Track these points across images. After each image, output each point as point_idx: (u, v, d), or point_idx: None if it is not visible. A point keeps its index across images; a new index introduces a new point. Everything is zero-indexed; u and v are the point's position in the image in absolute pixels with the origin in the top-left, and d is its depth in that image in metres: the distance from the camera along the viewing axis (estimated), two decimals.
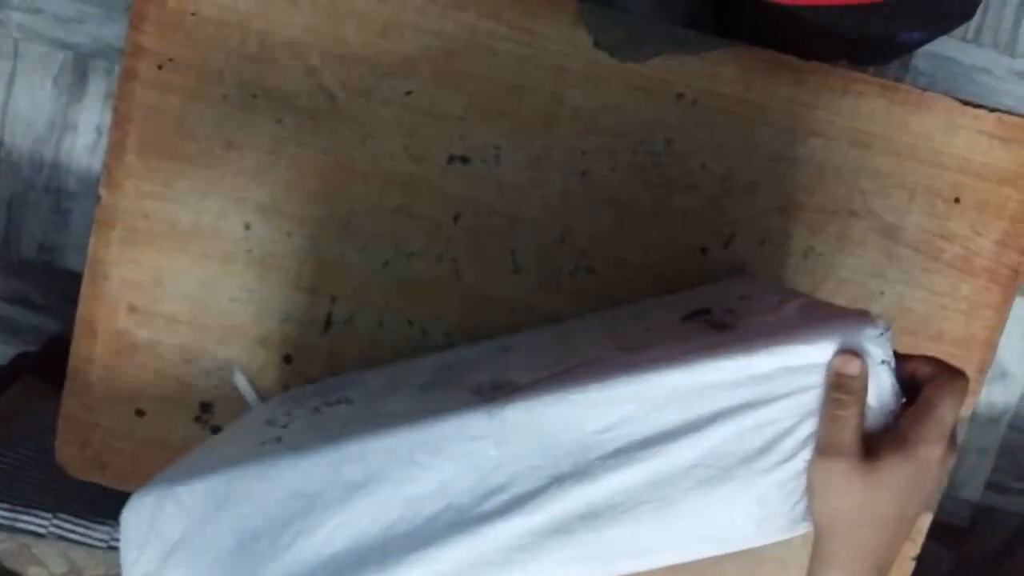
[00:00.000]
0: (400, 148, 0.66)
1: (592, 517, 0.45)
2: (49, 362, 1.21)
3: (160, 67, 0.65)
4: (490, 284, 0.67)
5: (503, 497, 0.45)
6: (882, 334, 0.44)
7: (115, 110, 0.66)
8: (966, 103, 0.64)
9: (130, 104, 0.65)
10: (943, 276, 0.65)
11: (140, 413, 0.70)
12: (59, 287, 1.32)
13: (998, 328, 0.67)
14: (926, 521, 0.67)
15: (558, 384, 0.46)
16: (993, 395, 1.35)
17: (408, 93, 0.65)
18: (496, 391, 0.48)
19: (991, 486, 1.38)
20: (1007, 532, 1.37)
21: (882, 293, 0.65)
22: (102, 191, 0.67)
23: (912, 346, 0.66)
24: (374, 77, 0.65)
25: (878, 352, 0.44)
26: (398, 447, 0.45)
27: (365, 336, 0.68)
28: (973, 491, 1.38)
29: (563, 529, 0.45)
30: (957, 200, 0.65)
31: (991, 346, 0.67)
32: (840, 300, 0.66)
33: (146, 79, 0.65)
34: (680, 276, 0.66)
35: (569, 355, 0.51)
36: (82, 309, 0.69)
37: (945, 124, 0.64)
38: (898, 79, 1.25)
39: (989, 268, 0.65)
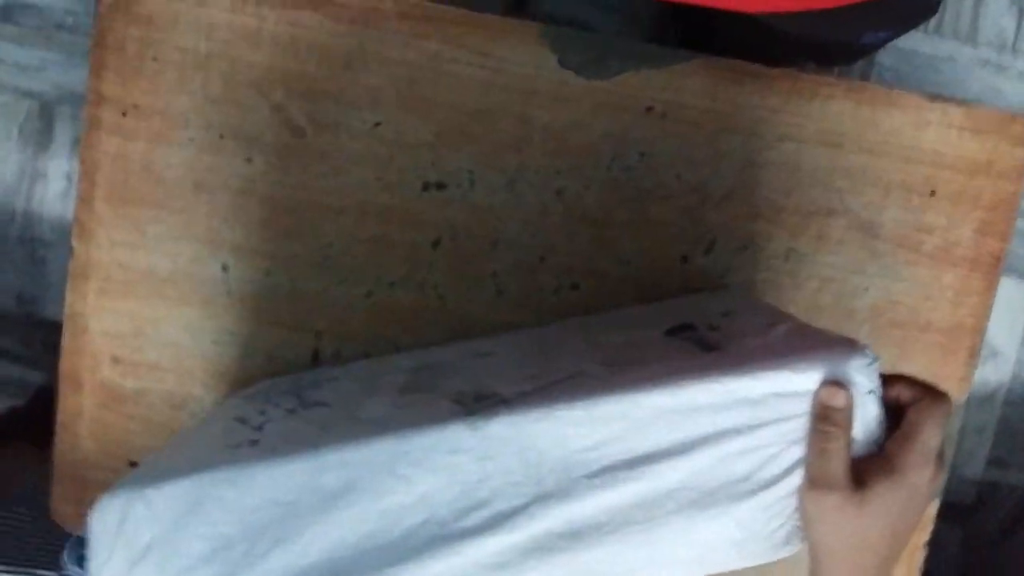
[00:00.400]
0: (373, 179, 0.65)
1: (573, 537, 0.44)
2: (39, 416, 1.20)
3: (124, 114, 0.64)
4: (474, 308, 0.67)
5: (484, 513, 0.44)
6: (871, 364, 0.44)
7: (82, 160, 0.65)
8: (934, 98, 0.64)
9: (96, 153, 0.65)
10: (925, 268, 0.65)
11: (133, 464, 0.69)
12: (40, 337, 1.31)
13: (984, 314, 0.67)
14: (933, 507, 0.67)
15: (543, 399, 0.46)
16: (986, 374, 1.36)
17: (377, 124, 0.64)
18: (479, 403, 0.47)
19: (992, 462, 1.39)
20: (1013, 505, 1.39)
21: (866, 289, 0.65)
22: (75, 243, 0.66)
23: (901, 338, 0.66)
24: (341, 110, 0.64)
25: (865, 382, 0.44)
26: (378, 457, 0.45)
27: None
28: (975, 469, 1.39)
29: (544, 548, 0.44)
30: (933, 193, 0.65)
31: (979, 332, 0.67)
32: (825, 298, 0.66)
33: (110, 127, 0.64)
34: (663, 286, 0.66)
35: (551, 368, 0.51)
36: (64, 363, 0.68)
37: (915, 120, 0.64)
38: (864, 76, 1.26)
39: (970, 257, 0.66)
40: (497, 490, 0.44)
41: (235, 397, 0.63)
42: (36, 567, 0.88)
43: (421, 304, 0.66)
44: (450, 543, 0.44)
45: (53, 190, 1.27)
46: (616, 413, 0.44)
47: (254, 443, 0.49)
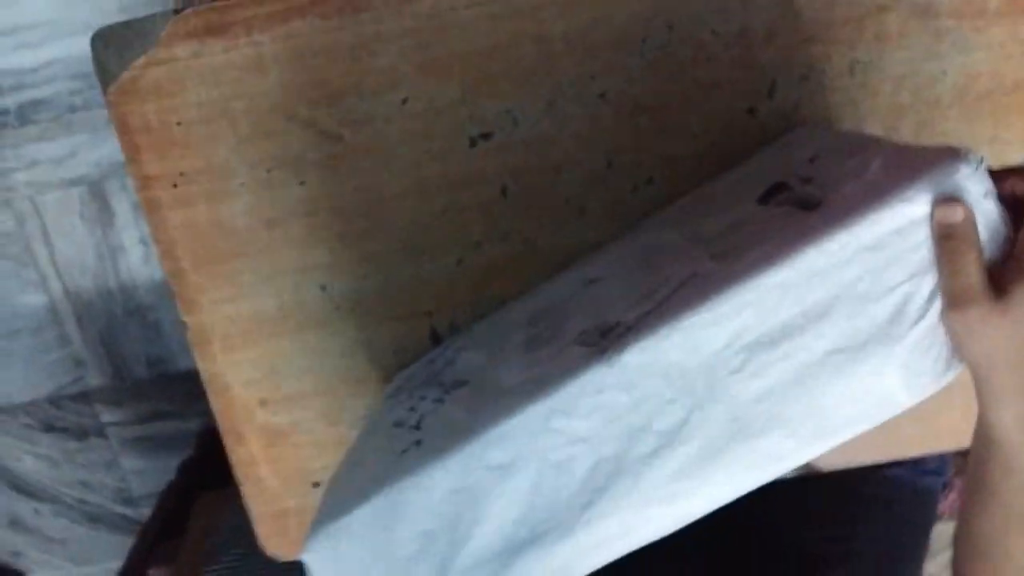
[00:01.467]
0: (421, 153, 0.65)
1: (740, 432, 0.45)
2: (208, 459, 1.28)
3: (175, 185, 0.66)
4: (561, 238, 0.67)
5: (648, 437, 0.45)
6: (977, 167, 0.42)
7: (156, 241, 0.67)
8: None
9: (166, 231, 0.67)
10: (996, 28, 0.61)
11: (316, 485, 0.73)
12: (181, 389, 1.39)
13: None
14: None
15: (666, 315, 0.45)
16: None
17: (404, 101, 0.64)
18: (605, 338, 0.47)
19: None
20: None
21: (944, 72, 0.62)
22: (184, 318, 0.69)
23: (992, 108, 0.63)
24: (366, 101, 0.64)
25: (976, 187, 0.42)
26: (531, 421, 0.46)
27: None
28: None
29: (716, 449, 0.45)
30: None
31: None
32: (904, 97, 0.63)
33: (168, 202, 0.66)
34: (738, 147, 0.64)
35: (661, 279, 0.50)
36: (221, 422, 0.72)
37: None
38: None
39: None
40: (652, 413, 0.45)
41: (383, 402, 0.66)
42: None
43: (511, 253, 0.67)
44: (626, 474, 0.45)
45: (134, 258, 1.32)
46: (740, 303, 0.44)
47: (418, 443, 0.51)
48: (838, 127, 0.62)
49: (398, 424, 0.56)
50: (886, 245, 0.43)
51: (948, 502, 1.01)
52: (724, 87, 0.63)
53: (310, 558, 0.49)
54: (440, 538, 0.47)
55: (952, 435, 0.71)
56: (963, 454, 0.99)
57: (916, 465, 0.81)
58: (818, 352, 0.44)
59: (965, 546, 0.53)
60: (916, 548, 0.83)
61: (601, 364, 0.45)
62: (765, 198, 0.52)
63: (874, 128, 0.64)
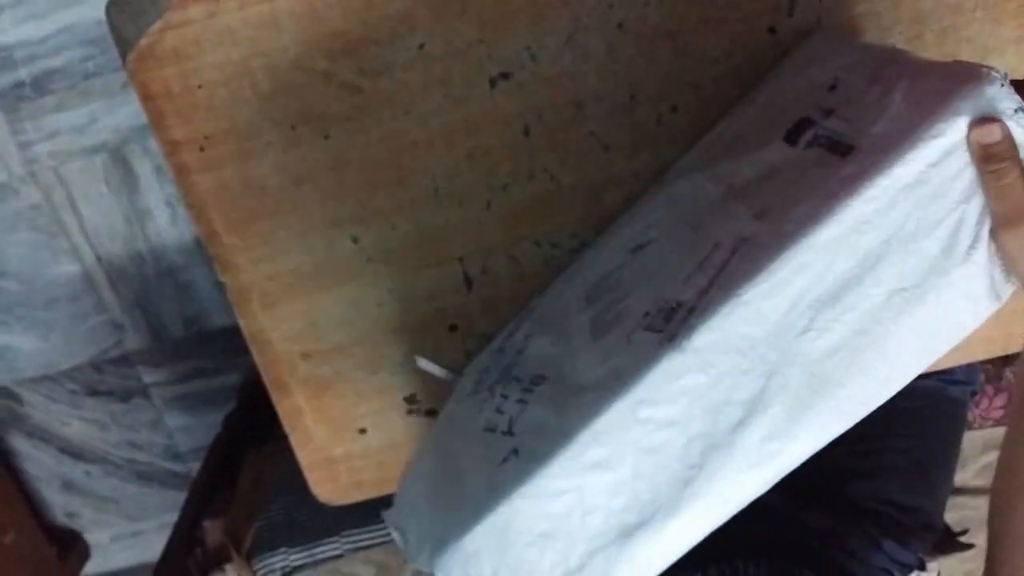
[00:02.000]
0: (442, 98, 0.65)
1: (820, 387, 0.46)
2: (250, 413, 1.32)
3: (201, 149, 0.66)
4: (588, 173, 0.67)
5: (732, 410, 0.47)
6: (1003, 83, 0.42)
7: (188, 206, 0.68)
8: None
9: (197, 194, 0.67)
10: None
11: (362, 431, 0.76)
12: (219, 346, 1.41)
13: None
14: None
15: (725, 289, 0.46)
16: None
17: (421, 46, 0.63)
18: (670, 322, 0.48)
19: None
20: None
21: None
22: (222, 278, 0.70)
23: (1017, 3, 0.61)
24: (382, 49, 0.64)
25: (1007, 103, 0.42)
26: (619, 417, 0.47)
27: (505, 276, 0.70)
28: None
29: (801, 407, 0.47)
30: None
31: None
32: (926, 3, 0.61)
33: (197, 166, 0.67)
34: (761, 69, 0.63)
35: (709, 244, 0.50)
36: (266, 376, 0.74)
37: None
38: None
39: None
40: (731, 386, 0.47)
41: (462, 399, 0.66)
42: (317, 539, 1.00)
43: (539, 192, 0.67)
44: (719, 446, 0.47)
45: (162, 221, 1.33)
46: (795, 267, 0.45)
47: (516, 452, 0.52)
48: (852, 38, 0.61)
49: (489, 429, 0.57)
50: (927, 180, 0.43)
51: (979, 410, 1.02)
52: (743, 6, 0.62)
53: None
54: (557, 537, 0.49)
55: (983, 344, 0.72)
56: (992, 362, 0.99)
57: (945, 375, 0.82)
58: (879, 297, 0.45)
59: (1010, 477, 0.54)
60: (947, 458, 0.85)
61: (674, 351, 0.46)
62: (792, 137, 0.52)
63: (897, 39, 0.63)
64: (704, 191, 0.58)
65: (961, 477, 0.94)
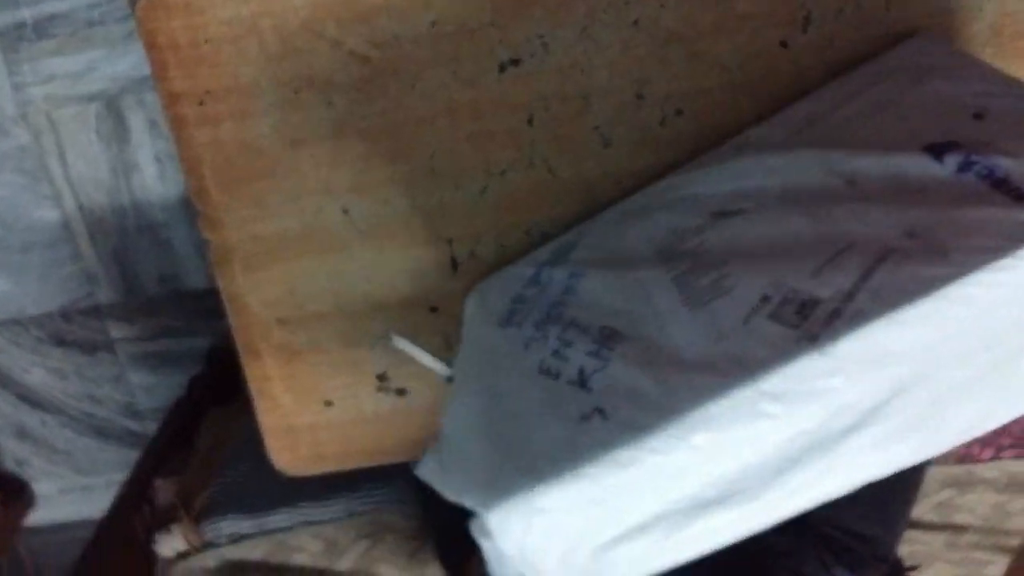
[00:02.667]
0: (450, 77, 0.64)
1: (938, 412, 0.46)
2: (218, 376, 1.30)
3: (201, 103, 0.65)
4: (586, 168, 0.67)
5: (849, 413, 0.46)
6: None
7: (182, 158, 0.67)
8: None
9: (192, 148, 0.67)
10: None
11: (328, 403, 0.75)
12: (191, 307, 1.40)
13: None
14: None
15: (880, 302, 0.45)
16: None
17: (433, 24, 0.63)
18: (805, 317, 0.47)
19: None
20: None
21: (981, 9, 0.61)
22: (206, 234, 0.69)
23: None
24: (394, 21, 0.63)
25: None
26: (739, 405, 0.46)
27: (491, 262, 0.70)
28: None
29: (911, 427, 0.47)
30: None
31: None
32: (939, 33, 0.62)
33: (195, 119, 0.66)
34: (769, 81, 0.63)
35: (839, 240, 0.49)
36: (238, 339, 0.73)
37: None
38: None
39: None
40: (858, 393, 0.46)
41: (487, 321, 0.63)
42: (270, 508, 0.99)
43: (535, 182, 0.67)
44: (821, 447, 0.46)
45: (149, 175, 1.31)
46: (960, 298, 0.44)
47: (600, 412, 0.50)
48: (968, 53, 0.61)
49: (547, 373, 0.54)
50: None
51: None
52: (758, 17, 0.62)
53: (501, 539, 0.48)
54: (630, 498, 0.48)
55: None
56: None
57: None
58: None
59: None
60: (907, 492, 0.85)
61: (815, 352, 0.45)
62: (936, 154, 0.50)
63: None
64: (813, 176, 0.55)
65: (917, 511, 0.94)
